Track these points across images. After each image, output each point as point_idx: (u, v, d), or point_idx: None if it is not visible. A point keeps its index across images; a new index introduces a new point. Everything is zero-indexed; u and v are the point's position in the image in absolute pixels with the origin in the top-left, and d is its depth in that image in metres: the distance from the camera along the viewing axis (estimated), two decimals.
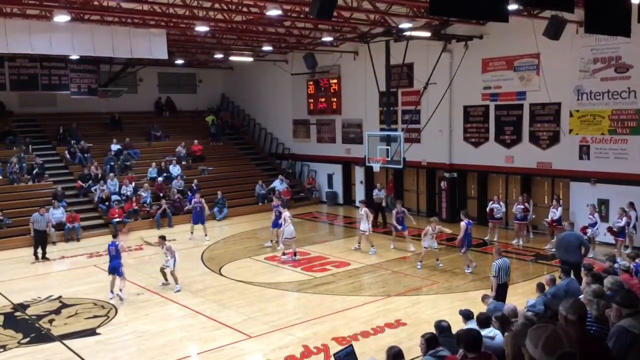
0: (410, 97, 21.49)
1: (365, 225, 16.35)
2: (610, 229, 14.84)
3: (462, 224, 14.19)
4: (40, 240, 16.93)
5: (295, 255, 15.90)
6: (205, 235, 18.77)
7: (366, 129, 22.43)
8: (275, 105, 27.76)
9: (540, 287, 9.06)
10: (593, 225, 15.27)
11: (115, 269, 12.72)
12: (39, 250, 16.78)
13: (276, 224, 17.03)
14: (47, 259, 16.79)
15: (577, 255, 11.48)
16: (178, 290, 13.15)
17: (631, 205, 15.20)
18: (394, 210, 17.04)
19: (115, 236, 13.42)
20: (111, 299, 12.62)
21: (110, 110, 25.85)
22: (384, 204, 20.21)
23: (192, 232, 19.18)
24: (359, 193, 23.98)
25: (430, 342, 6.26)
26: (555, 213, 16.21)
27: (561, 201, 16.76)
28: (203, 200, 19.64)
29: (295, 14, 16.59)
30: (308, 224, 21.50)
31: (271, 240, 17.68)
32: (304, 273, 14.64)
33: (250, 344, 10.08)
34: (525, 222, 17.33)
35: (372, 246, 16.42)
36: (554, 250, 13.55)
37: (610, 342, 4.25)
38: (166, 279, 13.67)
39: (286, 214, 16.07)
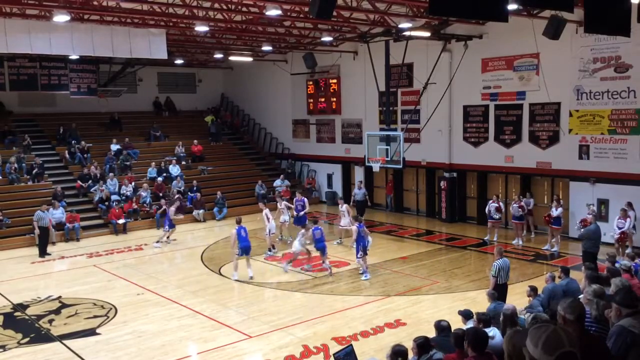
0: (409, 97, 21.50)
1: (345, 221, 17.17)
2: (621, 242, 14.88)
3: (354, 227, 13.82)
4: (45, 237, 17.23)
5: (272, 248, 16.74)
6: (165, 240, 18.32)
7: (366, 129, 22.45)
8: (275, 105, 27.77)
9: (533, 290, 9.01)
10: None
11: (247, 249, 13.98)
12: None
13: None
14: (49, 254, 17.06)
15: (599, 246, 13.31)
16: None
17: (630, 205, 15.21)
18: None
19: (239, 222, 14.31)
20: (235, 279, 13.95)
21: (110, 110, 25.82)
22: (364, 202, 20.42)
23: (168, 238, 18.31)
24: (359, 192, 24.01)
25: (422, 347, 6.20)
26: (553, 212, 16.21)
27: (561, 201, 16.77)
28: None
29: (294, 13, 16.58)
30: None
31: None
32: (304, 273, 14.64)
33: (250, 344, 10.08)
34: (522, 222, 17.33)
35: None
36: (582, 235, 13.71)
37: (610, 342, 4.25)
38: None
39: (266, 210, 16.69)
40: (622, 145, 16.18)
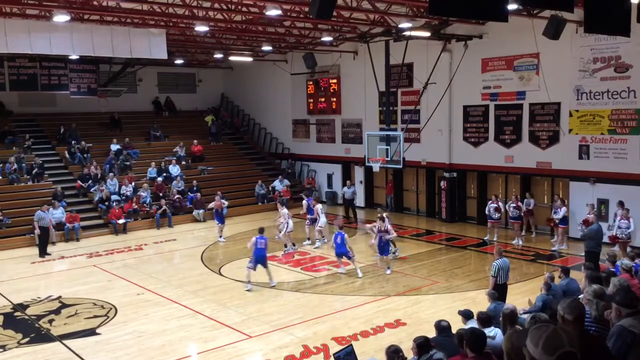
0: (409, 97, 21.49)
1: (322, 221, 17.41)
2: (624, 243, 14.88)
3: (253, 239, 13.37)
4: (46, 237, 17.26)
5: (287, 246, 16.74)
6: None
7: (366, 129, 22.45)
8: (275, 105, 27.77)
9: (546, 286, 9.02)
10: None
11: (343, 254, 14.07)
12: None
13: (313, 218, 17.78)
14: (49, 254, 17.08)
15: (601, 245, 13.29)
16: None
17: (620, 204, 15.20)
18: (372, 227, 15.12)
19: (341, 227, 14.65)
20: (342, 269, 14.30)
21: (110, 110, 25.82)
22: (352, 201, 20.54)
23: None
24: (359, 193, 23.98)
25: (422, 347, 6.20)
26: (558, 212, 16.23)
27: (565, 201, 16.78)
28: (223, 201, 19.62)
29: (294, 13, 16.58)
30: None
31: (308, 239, 17.87)
32: (304, 273, 14.64)
33: (250, 344, 10.08)
34: (520, 221, 17.34)
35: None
36: (584, 235, 13.62)
37: (610, 342, 4.25)
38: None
39: (284, 211, 16.71)
40: (622, 145, 16.18)
